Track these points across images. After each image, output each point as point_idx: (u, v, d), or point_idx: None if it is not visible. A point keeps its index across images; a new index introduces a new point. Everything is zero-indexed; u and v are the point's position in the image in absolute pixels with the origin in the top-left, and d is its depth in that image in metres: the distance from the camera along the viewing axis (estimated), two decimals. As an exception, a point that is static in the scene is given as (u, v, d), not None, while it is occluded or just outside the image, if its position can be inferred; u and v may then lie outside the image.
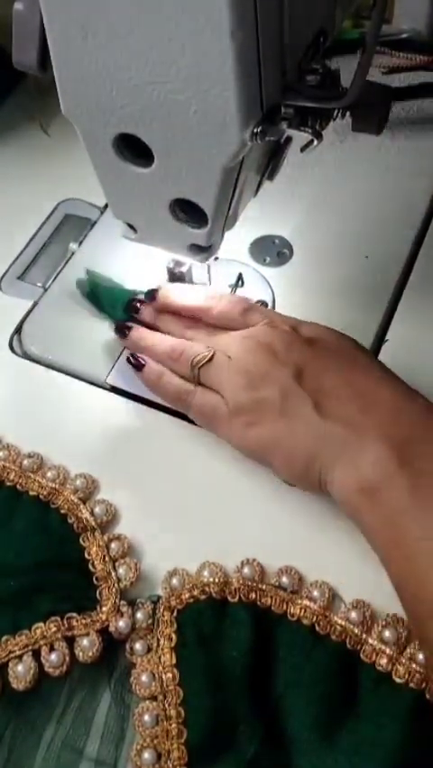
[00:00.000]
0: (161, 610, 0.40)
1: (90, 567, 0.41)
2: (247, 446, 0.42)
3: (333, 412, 0.39)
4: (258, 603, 0.40)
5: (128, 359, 0.47)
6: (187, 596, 0.40)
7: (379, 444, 0.37)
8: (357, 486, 0.37)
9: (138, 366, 0.47)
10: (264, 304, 0.52)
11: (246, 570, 0.41)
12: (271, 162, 0.41)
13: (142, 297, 0.50)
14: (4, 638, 0.39)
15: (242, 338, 0.44)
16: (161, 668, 0.38)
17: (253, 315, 0.46)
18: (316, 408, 0.39)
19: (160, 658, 0.39)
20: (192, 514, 0.45)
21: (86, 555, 0.42)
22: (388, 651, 0.38)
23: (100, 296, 0.53)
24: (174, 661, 0.38)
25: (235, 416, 0.42)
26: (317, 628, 0.39)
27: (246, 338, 0.44)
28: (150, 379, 0.46)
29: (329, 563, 0.42)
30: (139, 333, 0.48)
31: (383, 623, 0.39)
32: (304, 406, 0.40)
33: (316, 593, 0.40)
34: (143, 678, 0.38)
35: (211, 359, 0.44)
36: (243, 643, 0.38)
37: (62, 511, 0.44)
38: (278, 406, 0.40)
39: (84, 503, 0.44)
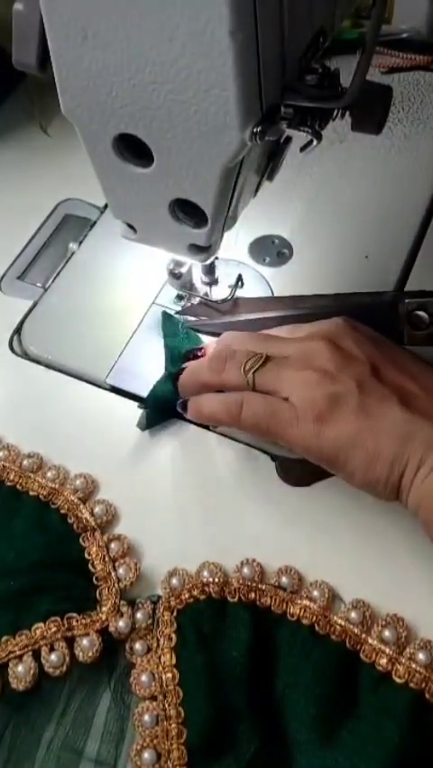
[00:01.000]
0: (161, 610, 0.40)
1: (90, 567, 0.41)
2: (321, 447, 0.38)
3: (420, 409, 0.37)
4: (258, 603, 0.40)
5: (177, 407, 0.45)
6: (186, 596, 0.40)
7: None
8: None
9: (184, 408, 0.44)
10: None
11: (246, 570, 0.41)
12: (270, 162, 0.41)
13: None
14: (4, 638, 0.39)
15: (301, 340, 0.41)
16: (160, 668, 0.38)
17: (302, 328, 0.43)
18: (401, 405, 0.37)
19: (159, 658, 0.39)
20: (192, 514, 0.45)
21: (86, 555, 0.42)
22: (388, 651, 0.38)
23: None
24: (174, 661, 0.38)
25: (307, 414, 0.38)
26: (316, 628, 0.39)
27: (307, 338, 0.40)
28: (193, 411, 0.43)
29: (329, 563, 0.42)
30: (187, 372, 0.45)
31: (383, 623, 0.39)
32: (388, 403, 0.37)
33: (315, 593, 0.40)
34: (143, 678, 0.38)
35: (266, 360, 0.40)
36: (242, 643, 0.38)
37: (62, 511, 0.44)
38: (357, 401, 0.37)
39: (84, 503, 0.44)
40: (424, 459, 0.36)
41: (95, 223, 0.60)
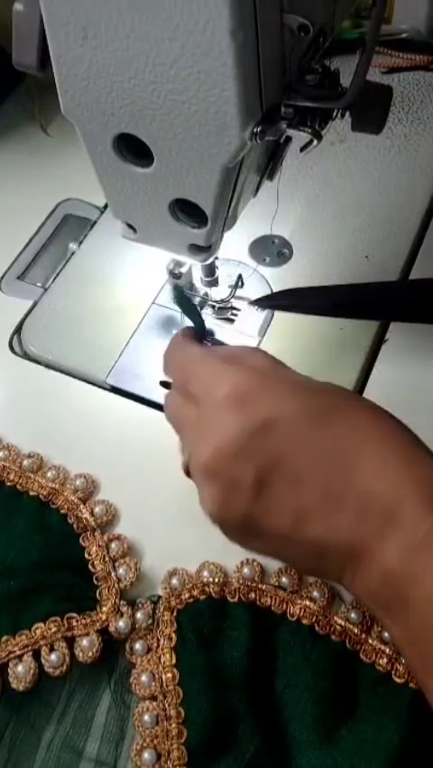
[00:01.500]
0: (161, 610, 0.40)
1: (90, 567, 0.41)
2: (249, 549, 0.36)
3: (317, 529, 0.31)
4: (258, 603, 0.40)
5: None
6: (186, 596, 0.40)
7: (383, 561, 0.30)
8: (371, 597, 0.31)
9: None
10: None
11: (246, 570, 0.41)
12: (270, 162, 0.41)
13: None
14: (4, 638, 0.39)
15: (213, 406, 0.34)
16: (160, 668, 0.38)
17: (226, 371, 0.35)
18: (296, 525, 0.31)
19: (159, 658, 0.39)
20: (192, 514, 0.44)
21: (86, 555, 0.42)
22: (388, 651, 0.38)
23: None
24: (174, 661, 0.38)
25: (224, 530, 0.35)
26: (316, 628, 0.39)
27: (219, 404, 0.34)
28: None
29: (329, 563, 0.41)
30: None
31: (383, 623, 0.39)
32: (281, 526, 0.32)
33: (316, 593, 0.40)
34: (143, 678, 0.38)
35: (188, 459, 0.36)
36: (242, 643, 0.38)
37: (62, 511, 0.44)
38: (256, 529, 0.33)
39: (84, 503, 0.44)
40: (342, 571, 0.32)
41: (95, 223, 0.60)
